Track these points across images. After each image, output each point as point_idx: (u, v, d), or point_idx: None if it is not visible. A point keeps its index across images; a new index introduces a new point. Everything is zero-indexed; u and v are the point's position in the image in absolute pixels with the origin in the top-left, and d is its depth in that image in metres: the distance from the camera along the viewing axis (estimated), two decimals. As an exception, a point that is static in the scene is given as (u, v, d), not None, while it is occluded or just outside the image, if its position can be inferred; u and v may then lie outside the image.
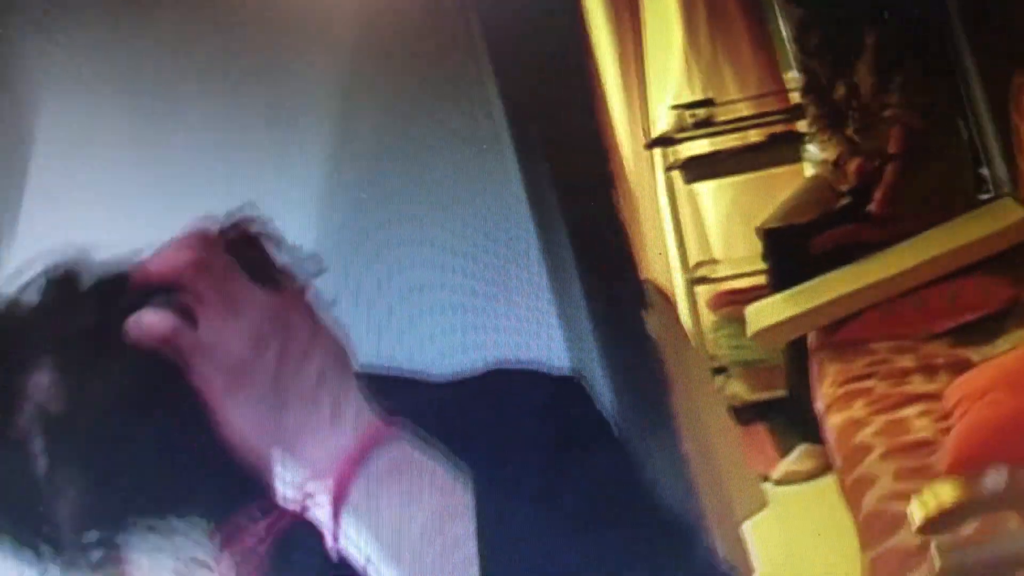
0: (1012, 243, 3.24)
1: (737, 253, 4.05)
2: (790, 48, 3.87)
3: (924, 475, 2.64)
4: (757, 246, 3.80)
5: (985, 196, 3.54)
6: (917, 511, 2.06)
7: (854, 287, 3.34)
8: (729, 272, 3.98)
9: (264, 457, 0.69)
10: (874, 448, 2.89)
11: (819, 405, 3.21)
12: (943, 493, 2.07)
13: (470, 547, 0.67)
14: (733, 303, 3.90)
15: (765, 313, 3.46)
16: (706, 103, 3.95)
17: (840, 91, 3.65)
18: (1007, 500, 2.05)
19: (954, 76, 3.48)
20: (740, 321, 3.73)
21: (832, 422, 3.09)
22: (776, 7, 3.95)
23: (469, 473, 0.70)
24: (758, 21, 4.04)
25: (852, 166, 3.63)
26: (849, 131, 3.69)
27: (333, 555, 0.69)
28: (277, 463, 0.69)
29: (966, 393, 2.81)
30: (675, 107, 3.98)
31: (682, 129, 3.89)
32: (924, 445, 2.80)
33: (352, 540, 0.69)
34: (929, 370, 3.15)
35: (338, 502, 0.68)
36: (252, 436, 0.69)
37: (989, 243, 3.28)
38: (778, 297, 3.52)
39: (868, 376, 3.17)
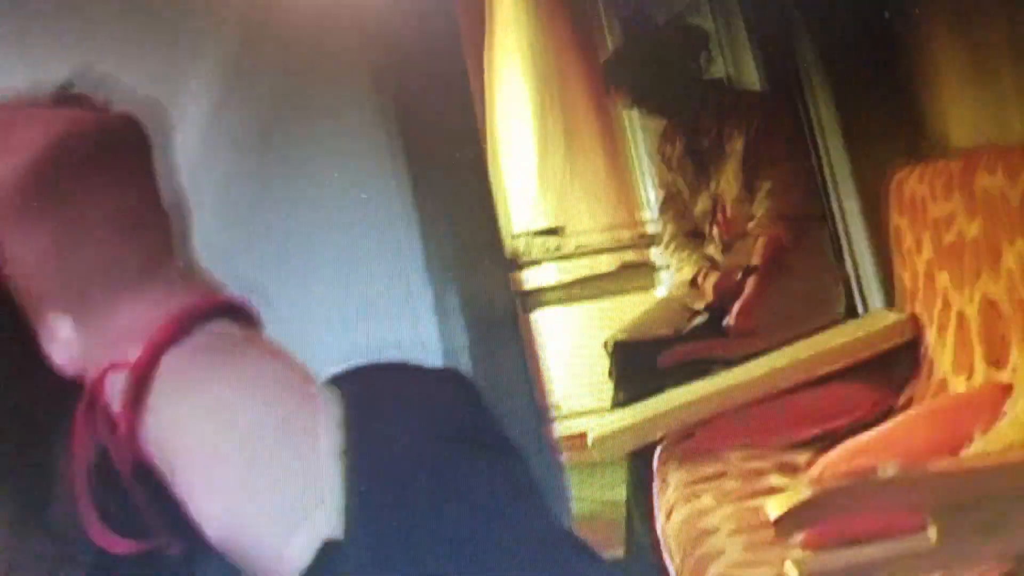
0: (880, 350, 2.97)
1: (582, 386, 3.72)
2: (650, 163, 3.68)
3: (778, 547, 2.28)
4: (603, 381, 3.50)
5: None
6: (773, 509, 1.89)
7: (703, 394, 3.02)
8: (574, 408, 3.65)
9: (45, 308, 0.55)
10: (720, 529, 2.54)
11: (659, 519, 2.83)
12: (797, 492, 1.94)
13: (326, 476, 0.51)
14: (576, 447, 3.53)
15: (606, 424, 3.11)
16: (554, 231, 3.71)
17: (702, 204, 3.46)
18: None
19: (823, 184, 3.30)
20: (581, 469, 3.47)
21: (673, 521, 2.71)
22: (634, 121, 3.81)
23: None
24: (613, 139, 3.87)
25: (709, 283, 3.38)
26: (710, 248, 3.47)
27: (122, 461, 0.53)
28: (60, 318, 0.55)
29: (828, 463, 2.50)
30: (520, 235, 3.72)
31: (527, 257, 3.63)
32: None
33: (154, 439, 0.53)
34: (788, 468, 2.83)
35: (140, 380, 0.53)
36: (36, 276, 0.55)
37: (856, 349, 3.02)
38: (623, 410, 3.17)
39: (719, 476, 2.82)
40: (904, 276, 3.07)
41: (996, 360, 2.50)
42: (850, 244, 3.29)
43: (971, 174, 2.64)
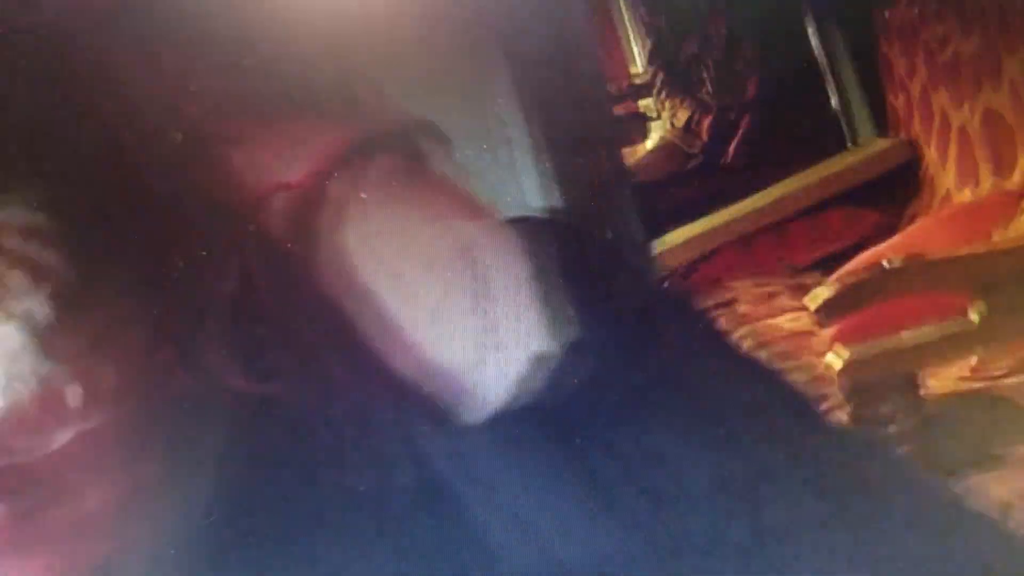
0: (876, 173, 3.03)
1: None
2: (635, 12, 3.67)
3: (806, 350, 2.35)
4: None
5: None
6: (811, 302, 2.01)
7: (704, 230, 3.06)
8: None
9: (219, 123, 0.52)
10: (741, 347, 2.58)
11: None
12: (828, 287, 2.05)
13: (517, 298, 0.50)
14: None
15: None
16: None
17: (690, 48, 3.47)
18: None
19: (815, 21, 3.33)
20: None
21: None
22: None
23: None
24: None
25: (704, 125, 3.41)
26: (702, 92, 3.49)
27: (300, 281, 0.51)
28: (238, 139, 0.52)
29: (846, 270, 2.55)
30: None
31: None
32: (800, 335, 2.50)
33: (329, 262, 0.51)
34: (797, 289, 2.88)
35: (307, 200, 0.51)
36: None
37: (852, 174, 3.08)
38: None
39: (731, 303, 2.87)
40: (897, 103, 3.13)
41: (1002, 169, 2.57)
42: (837, 79, 3.33)
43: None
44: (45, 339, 0.47)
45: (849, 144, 3.36)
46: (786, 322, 2.66)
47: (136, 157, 0.51)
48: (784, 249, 3.03)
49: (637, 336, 0.52)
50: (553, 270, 0.51)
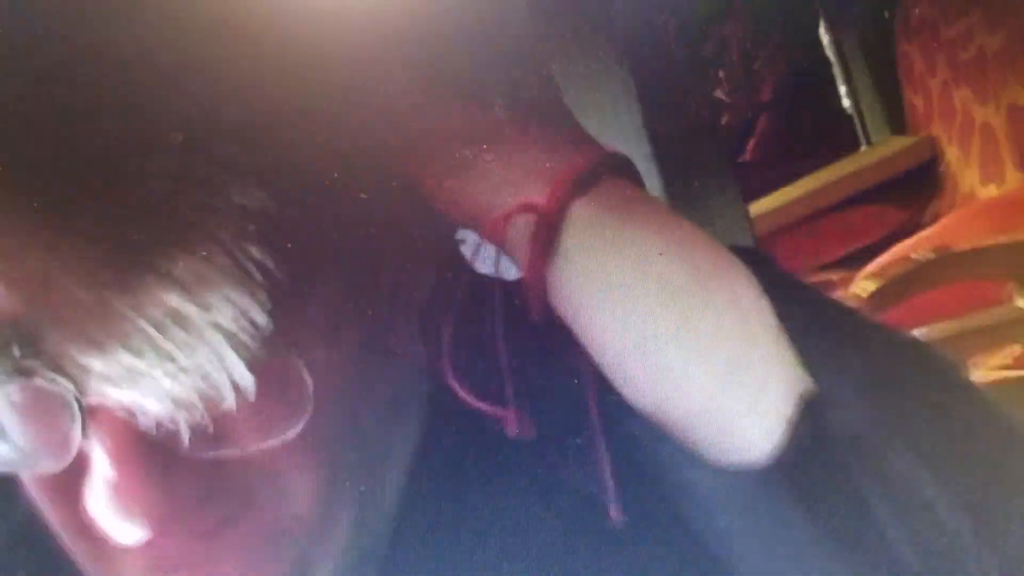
0: (896, 172, 3.07)
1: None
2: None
3: None
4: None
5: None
6: (861, 292, 2.03)
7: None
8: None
9: (442, 153, 0.50)
10: None
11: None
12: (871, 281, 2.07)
13: (762, 335, 0.48)
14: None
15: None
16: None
17: (708, 48, 3.51)
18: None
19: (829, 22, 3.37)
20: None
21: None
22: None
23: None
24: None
25: (721, 123, 3.46)
26: (718, 92, 3.53)
27: (536, 307, 0.50)
28: (460, 167, 0.50)
29: (879, 263, 2.57)
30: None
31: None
32: None
33: (565, 289, 0.49)
34: (824, 285, 2.92)
35: (552, 223, 0.48)
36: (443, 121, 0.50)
37: (872, 172, 3.11)
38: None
39: None
40: (916, 101, 3.17)
41: (1028, 163, 2.62)
42: (850, 80, 3.37)
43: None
44: (276, 329, 0.46)
45: (863, 144, 3.40)
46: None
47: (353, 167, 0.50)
48: (809, 246, 3.06)
49: (873, 381, 0.49)
50: (794, 312, 0.49)
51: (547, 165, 0.50)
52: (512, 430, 0.52)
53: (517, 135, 0.51)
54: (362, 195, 0.49)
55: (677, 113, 1.43)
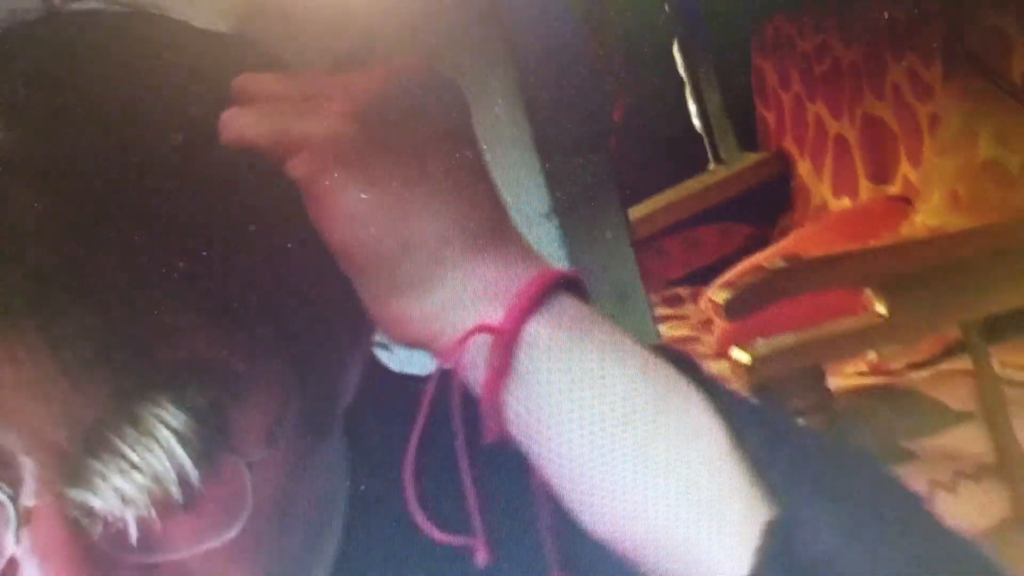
0: (745, 188, 3.04)
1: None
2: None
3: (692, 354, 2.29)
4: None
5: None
6: (717, 298, 1.89)
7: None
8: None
9: (387, 273, 0.49)
10: None
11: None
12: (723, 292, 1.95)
13: (725, 460, 0.47)
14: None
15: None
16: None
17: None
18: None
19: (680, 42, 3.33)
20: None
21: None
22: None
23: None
24: None
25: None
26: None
27: (493, 429, 0.49)
28: (406, 285, 0.49)
29: (730, 275, 2.53)
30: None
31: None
32: (683, 340, 2.46)
33: (521, 411, 0.49)
34: (672, 300, 2.86)
35: (509, 343, 0.48)
36: (378, 237, 0.49)
37: (721, 189, 3.08)
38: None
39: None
40: (769, 116, 3.13)
41: (883, 176, 2.58)
42: (700, 99, 3.34)
43: (849, 4, 2.71)
44: (221, 428, 0.48)
45: (712, 163, 3.36)
46: (667, 330, 2.62)
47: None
48: (656, 264, 2.99)
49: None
50: (749, 434, 0.49)
51: (501, 284, 0.49)
52: (482, 559, 0.51)
53: (468, 252, 0.50)
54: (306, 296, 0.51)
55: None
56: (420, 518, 0.51)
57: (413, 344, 0.51)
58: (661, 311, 2.78)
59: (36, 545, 0.46)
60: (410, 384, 0.55)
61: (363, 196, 0.49)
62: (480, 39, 1.40)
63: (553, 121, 1.45)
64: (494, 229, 0.51)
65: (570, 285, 0.51)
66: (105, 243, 0.46)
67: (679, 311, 2.80)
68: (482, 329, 0.49)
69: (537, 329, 0.48)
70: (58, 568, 0.46)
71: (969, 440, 1.74)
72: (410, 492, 0.51)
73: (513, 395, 0.49)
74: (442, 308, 0.50)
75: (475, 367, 0.49)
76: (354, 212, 0.49)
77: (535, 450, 0.49)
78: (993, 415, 1.70)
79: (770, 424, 0.52)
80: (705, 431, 0.48)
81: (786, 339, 1.86)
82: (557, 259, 1.35)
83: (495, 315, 0.49)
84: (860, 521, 0.48)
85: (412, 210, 0.49)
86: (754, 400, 0.55)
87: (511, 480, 0.52)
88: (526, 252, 0.52)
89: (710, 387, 0.50)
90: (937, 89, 2.36)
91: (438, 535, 0.51)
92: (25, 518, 0.46)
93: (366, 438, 0.58)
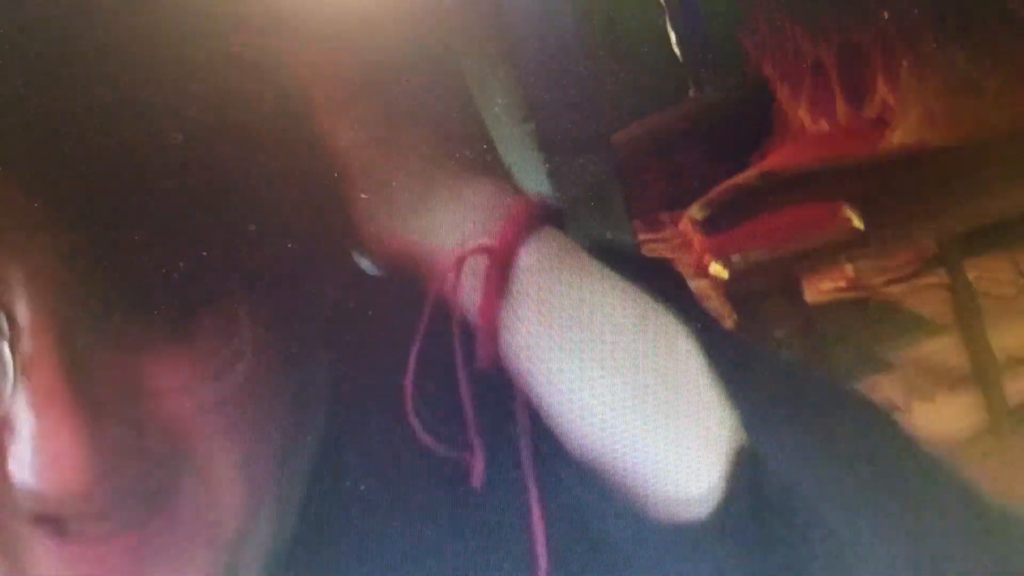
0: (727, 113, 3.03)
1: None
2: None
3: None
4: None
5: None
6: (697, 214, 1.85)
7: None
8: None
9: (381, 186, 0.50)
10: None
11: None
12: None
13: (702, 381, 0.48)
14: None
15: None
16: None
17: None
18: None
19: None
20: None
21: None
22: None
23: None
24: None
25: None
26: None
27: (488, 350, 0.49)
28: (400, 202, 0.50)
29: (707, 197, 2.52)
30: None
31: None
32: None
33: (514, 335, 0.48)
34: (653, 224, 2.88)
35: (505, 264, 0.48)
36: (376, 158, 0.50)
37: (704, 115, 3.08)
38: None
39: None
40: (750, 44, 3.13)
41: (859, 100, 2.58)
42: (677, 22, 3.33)
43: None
44: None
45: (692, 89, 3.36)
46: (648, 252, 2.63)
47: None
48: (640, 189, 3.00)
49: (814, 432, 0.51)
50: (727, 363, 0.50)
51: (492, 209, 0.50)
52: (478, 478, 0.51)
53: (459, 176, 0.50)
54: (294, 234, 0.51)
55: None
56: (418, 428, 0.51)
57: (404, 265, 0.51)
58: (642, 236, 2.79)
59: (33, 388, 0.45)
60: (394, 290, 0.55)
61: (370, 104, 0.50)
62: (479, 38, 1.39)
63: (554, 119, 1.44)
64: (483, 159, 0.52)
65: (551, 217, 0.51)
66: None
67: (660, 234, 2.81)
68: (480, 250, 0.49)
69: (529, 253, 0.49)
70: (53, 411, 0.45)
71: (946, 351, 1.76)
72: (409, 403, 0.51)
73: (508, 318, 0.49)
74: (434, 227, 0.50)
75: (472, 290, 0.49)
76: (361, 116, 0.50)
77: (527, 372, 0.49)
78: (969, 326, 1.72)
79: (743, 349, 0.54)
80: (683, 354, 0.49)
81: (763, 253, 1.88)
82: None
83: (487, 239, 0.49)
84: (827, 447, 0.49)
85: (403, 130, 0.50)
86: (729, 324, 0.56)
87: (497, 403, 0.52)
88: (513, 183, 0.52)
89: (689, 310, 0.51)
90: (916, 12, 2.36)
91: (434, 444, 0.51)
92: (22, 368, 0.45)
93: (353, 348, 0.57)
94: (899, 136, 2.27)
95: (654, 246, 2.72)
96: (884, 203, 1.82)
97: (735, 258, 1.92)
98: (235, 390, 0.50)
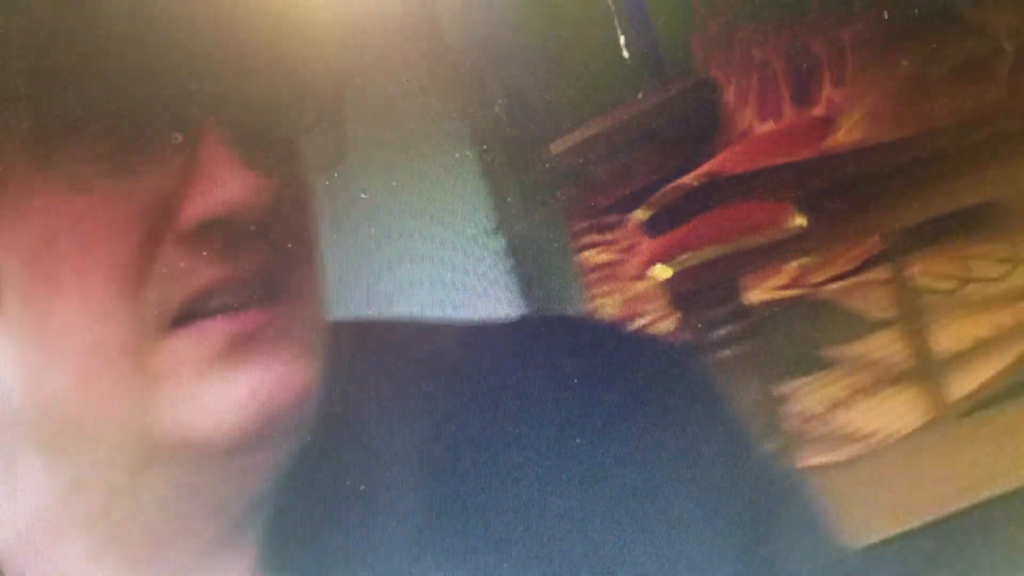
0: (674, 115, 3.02)
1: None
2: None
3: (617, 277, 2.31)
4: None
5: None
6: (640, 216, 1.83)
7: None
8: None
9: None
10: None
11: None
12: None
13: None
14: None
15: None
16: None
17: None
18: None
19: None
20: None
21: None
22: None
23: None
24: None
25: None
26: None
27: None
28: None
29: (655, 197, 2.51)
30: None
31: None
32: (610, 264, 2.46)
33: None
34: (600, 227, 2.85)
35: None
36: None
37: (652, 116, 3.05)
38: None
39: None
40: (697, 45, 3.12)
41: (806, 99, 2.57)
42: (626, 25, 3.31)
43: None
44: None
45: (641, 91, 3.34)
46: (594, 255, 2.61)
47: None
48: (589, 191, 2.98)
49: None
50: None
51: None
52: None
53: None
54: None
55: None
56: None
57: None
58: (589, 238, 2.77)
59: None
60: None
61: None
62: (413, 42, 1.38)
63: (491, 124, 1.43)
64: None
65: None
66: None
67: (606, 236, 2.79)
68: None
69: None
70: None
71: (889, 347, 1.74)
72: None
73: None
74: None
75: None
76: None
77: None
78: (911, 322, 1.71)
79: None
80: None
81: (707, 252, 1.86)
82: (502, 277, 1.32)
83: None
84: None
85: None
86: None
87: None
88: None
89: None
90: (860, 10, 2.35)
91: None
92: None
93: None
94: (844, 134, 2.26)
95: (600, 249, 2.70)
96: (827, 201, 1.81)
97: (678, 258, 1.90)
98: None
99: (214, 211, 0.46)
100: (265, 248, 0.47)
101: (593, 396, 0.56)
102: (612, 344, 0.58)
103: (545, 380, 0.58)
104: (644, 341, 0.63)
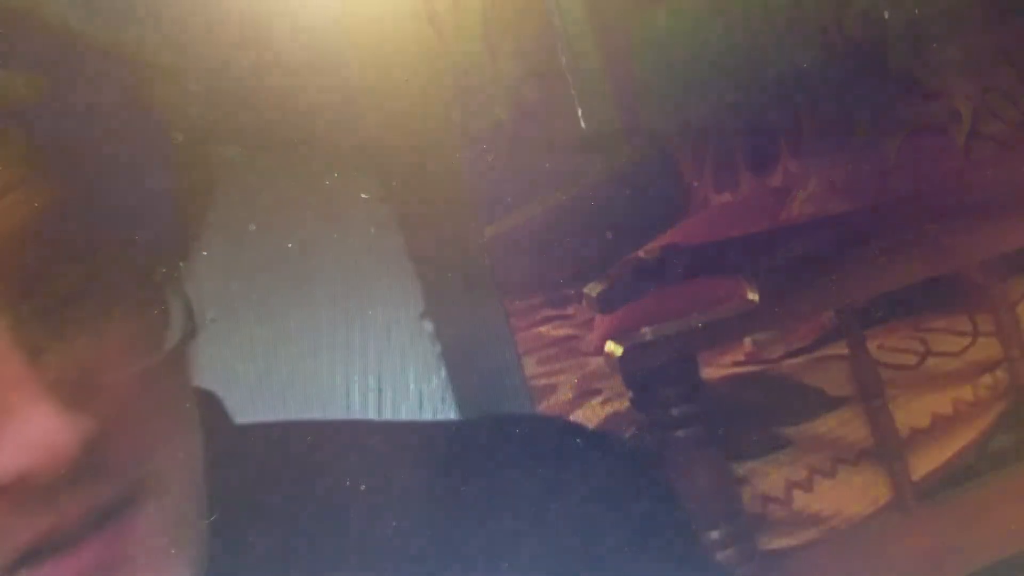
0: (632, 190, 3.01)
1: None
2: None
3: (574, 351, 2.27)
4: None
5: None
6: (590, 291, 1.79)
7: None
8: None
9: None
10: None
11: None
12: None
13: None
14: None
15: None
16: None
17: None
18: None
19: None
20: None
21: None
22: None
23: None
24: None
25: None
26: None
27: None
28: None
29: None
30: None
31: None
32: (566, 339, 2.42)
33: None
34: (557, 301, 2.84)
35: None
36: None
37: (610, 189, 3.03)
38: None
39: None
40: (654, 116, 3.11)
41: (762, 169, 2.56)
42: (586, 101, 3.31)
43: None
44: None
45: (598, 163, 3.33)
46: (551, 330, 2.58)
47: None
48: (546, 264, 2.96)
49: None
50: None
51: None
52: None
53: None
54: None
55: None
56: None
57: None
58: (546, 312, 2.73)
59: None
60: None
61: None
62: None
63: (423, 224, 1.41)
64: None
65: None
66: None
67: (563, 311, 2.75)
68: None
69: None
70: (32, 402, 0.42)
71: (847, 425, 1.70)
72: None
73: None
74: None
75: None
76: None
77: None
78: (871, 399, 1.67)
79: None
80: None
81: (660, 329, 1.82)
82: (431, 362, 1.27)
83: None
84: None
85: None
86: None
87: None
88: None
89: None
90: (817, 78, 2.34)
91: None
92: None
93: None
94: (800, 205, 2.24)
95: (558, 323, 2.66)
96: (779, 275, 1.78)
97: (632, 335, 1.86)
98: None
99: (14, 470, 0.42)
100: (88, 486, 0.43)
101: (524, 506, 0.55)
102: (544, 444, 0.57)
103: (479, 485, 0.57)
104: (586, 438, 0.62)
